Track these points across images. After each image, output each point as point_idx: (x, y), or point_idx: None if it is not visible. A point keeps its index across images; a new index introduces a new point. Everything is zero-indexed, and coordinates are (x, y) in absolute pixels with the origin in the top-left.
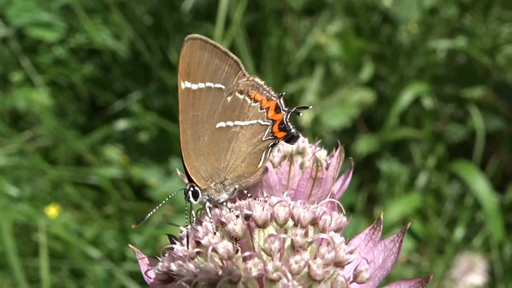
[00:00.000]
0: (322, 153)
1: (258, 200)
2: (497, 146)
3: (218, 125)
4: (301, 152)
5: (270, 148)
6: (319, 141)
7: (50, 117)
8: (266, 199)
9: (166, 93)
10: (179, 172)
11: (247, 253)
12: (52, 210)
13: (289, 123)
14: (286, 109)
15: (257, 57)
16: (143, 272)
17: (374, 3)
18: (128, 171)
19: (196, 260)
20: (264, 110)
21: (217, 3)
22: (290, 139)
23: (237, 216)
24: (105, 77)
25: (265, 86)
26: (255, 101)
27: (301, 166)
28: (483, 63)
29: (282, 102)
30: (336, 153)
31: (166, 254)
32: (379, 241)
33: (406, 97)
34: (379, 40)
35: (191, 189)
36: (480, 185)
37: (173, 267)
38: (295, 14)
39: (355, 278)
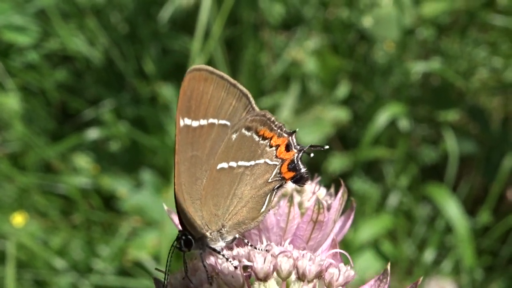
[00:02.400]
0: (321, 192)
1: (258, 249)
2: (469, 169)
3: (220, 166)
4: (298, 190)
5: (275, 191)
6: (319, 178)
7: (20, 122)
8: (268, 248)
9: (139, 103)
10: (166, 208)
11: None
12: (18, 218)
13: (299, 163)
14: (298, 147)
15: (234, 71)
16: None
17: (352, 22)
18: (98, 181)
19: None
20: (274, 148)
21: (195, 13)
22: (299, 179)
23: (235, 267)
24: (77, 84)
25: (276, 122)
26: (264, 138)
27: (300, 205)
28: (458, 86)
29: (294, 139)
30: (339, 195)
31: None
32: None
33: (382, 118)
34: (355, 58)
35: (183, 237)
36: (452, 208)
37: None
38: (272, 29)
39: None
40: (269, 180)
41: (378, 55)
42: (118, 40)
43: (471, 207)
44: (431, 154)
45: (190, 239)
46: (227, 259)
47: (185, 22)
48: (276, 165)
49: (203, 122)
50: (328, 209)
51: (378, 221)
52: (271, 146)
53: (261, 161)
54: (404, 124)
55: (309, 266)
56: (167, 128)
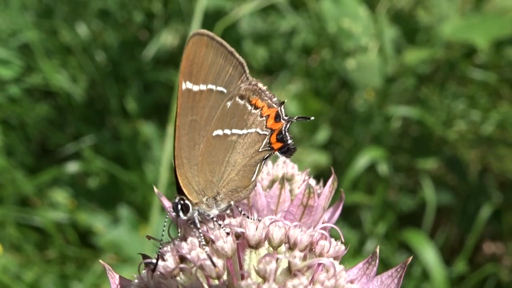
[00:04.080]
0: (311, 181)
1: (251, 218)
2: (445, 219)
3: (215, 133)
4: (289, 179)
5: (264, 161)
6: (308, 169)
7: None
8: (259, 218)
9: (119, 140)
10: (156, 190)
11: (240, 272)
12: None
13: (287, 134)
14: (286, 118)
15: None
16: None
17: (334, 68)
18: (75, 216)
19: (178, 278)
20: (264, 118)
21: (178, 54)
22: (287, 151)
23: (228, 234)
24: (58, 120)
25: (267, 92)
26: (256, 107)
27: (290, 192)
28: (437, 136)
29: (283, 110)
30: (329, 182)
31: (144, 271)
32: (374, 276)
33: (361, 162)
34: (336, 105)
35: (181, 202)
36: (429, 255)
37: (152, 284)
38: (255, 73)
39: None
40: (260, 150)
41: (358, 103)
42: (101, 78)
43: (447, 256)
44: (409, 203)
45: (187, 204)
46: (219, 225)
47: (169, 61)
48: (266, 134)
49: (202, 87)
50: (318, 195)
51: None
52: (261, 116)
53: (253, 130)
54: (383, 168)
55: (301, 235)
56: (146, 166)
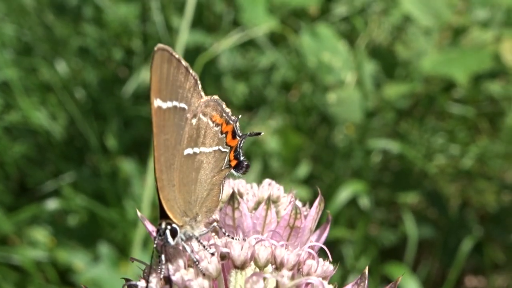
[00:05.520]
0: (297, 203)
1: (235, 239)
2: (427, 253)
3: (186, 152)
4: (275, 201)
5: (224, 180)
6: (295, 191)
7: None
8: (245, 238)
9: (99, 177)
10: (139, 214)
11: None
12: None
13: (240, 151)
14: (240, 135)
15: None
16: None
17: (313, 103)
18: (54, 254)
19: None
20: (224, 135)
21: None
22: (240, 168)
23: (212, 254)
24: (37, 158)
25: (225, 108)
26: (217, 125)
27: (277, 214)
28: (416, 170)
29: (238, 126)
30: (316, 203)
31: None
32: None
33: (343, 195)
34: (316, 141)
35: (169, 227)
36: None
37: None
38: (235, 108)
39: None
40: (223, 168)
41: (338, 138)
42: (81, 115)
43: None
44: (390, 237)
45: (175, 228)
46: (204, 247)
47: (148, 98)
48: (226, 152)
49: (169, 104)
50: (305, 216)
51: None
52: (222, 133)
53: (216, 148)
54: (364, 202)
55: (287, 255)
56: (127, 203)
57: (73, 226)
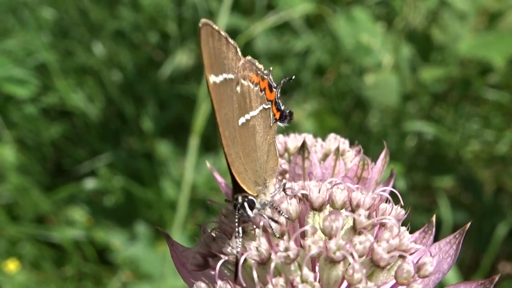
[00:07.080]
0: (362, 156)
1: (313, 181)
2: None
3: (240, 121)
4: (341, 154)
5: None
6: (359, 146)
7: (15, 174)
8: (321, 181)
9: (135, 159)
10: (208, 165)
11: (306, 227)
12: (11, 266)
13: (279, 101)
14: (275, 86)
15: None
16: (174, 260)
17: (348, 87)
18: (91, 233)
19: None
20: (263, 92)
21: (194, 72)
22: (284, 118)
23: (293, 196)
24: (74, 139)
25: (258, 65)
26: (256, 84)
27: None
28: (450, 156)
29: (271, 78)
30: (382, 155)
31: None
32: (431, 244)
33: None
34: (351, 125)
35: (246, 199)
36: (448, 274)
37: (214, 245)
38: None
39: (418, 270)
40: (271, 125)
41: (372, 123)
42: (117, 97)
43: (463, 276)
44: (424, 221)
45: (252, 199)
46: (284, 190)
47: (184, 81)
48: (270, 107)
49: (221, 77)
50: (372, 168)
51: None
52: (261, 90)
53: (261, 107)
54: (400, 184)
55: (363, 197)
56: (163, 183)
57: (110, 206)
